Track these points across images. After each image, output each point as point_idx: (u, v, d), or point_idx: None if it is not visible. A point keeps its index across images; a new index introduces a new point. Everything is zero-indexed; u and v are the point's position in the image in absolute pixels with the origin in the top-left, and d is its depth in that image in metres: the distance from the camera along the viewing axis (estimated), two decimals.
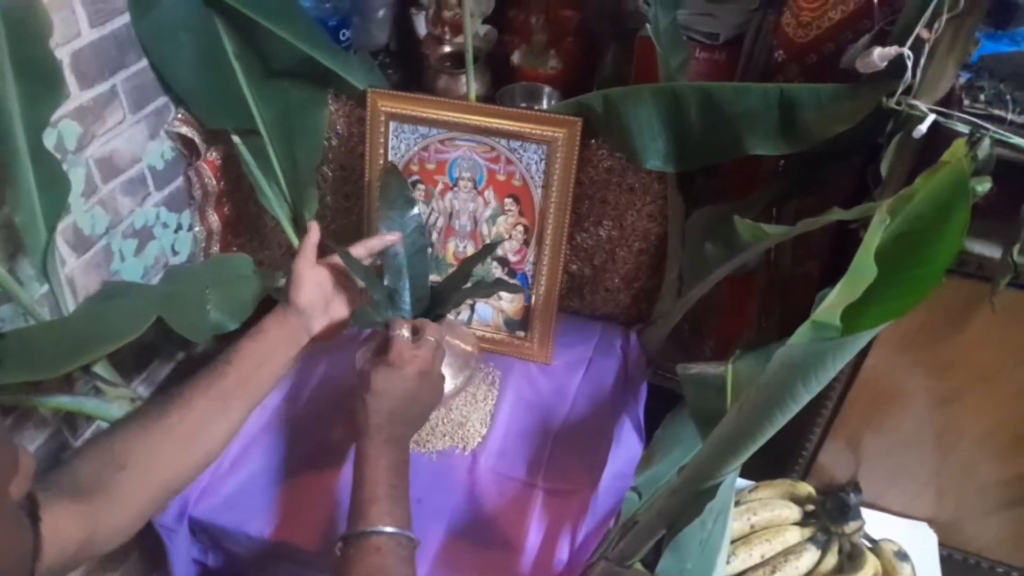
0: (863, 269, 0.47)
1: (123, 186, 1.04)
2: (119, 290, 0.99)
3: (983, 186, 0.63)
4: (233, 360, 0.76)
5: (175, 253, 1.19)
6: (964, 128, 0.72)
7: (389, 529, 0.69)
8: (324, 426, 1.05)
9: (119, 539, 0.65)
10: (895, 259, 0.51)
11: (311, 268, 0.85)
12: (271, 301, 0.98)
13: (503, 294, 1.15)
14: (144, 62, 1.03)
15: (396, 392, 0.78)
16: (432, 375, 0.82)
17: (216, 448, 0.74)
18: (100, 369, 0.92)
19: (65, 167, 0.89)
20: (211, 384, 0.73)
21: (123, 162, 1.03)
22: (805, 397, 0.56)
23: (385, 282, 0.94)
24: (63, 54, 0.89)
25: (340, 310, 0.87)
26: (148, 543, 1.13)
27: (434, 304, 0.96)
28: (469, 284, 0.98)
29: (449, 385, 0.99)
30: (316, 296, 0.84)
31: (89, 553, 0.61)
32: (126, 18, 0.99)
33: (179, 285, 1.03)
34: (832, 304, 0.50)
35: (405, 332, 0.82)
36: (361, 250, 0.89)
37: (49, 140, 0.88)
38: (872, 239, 0.48)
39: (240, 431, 0.78)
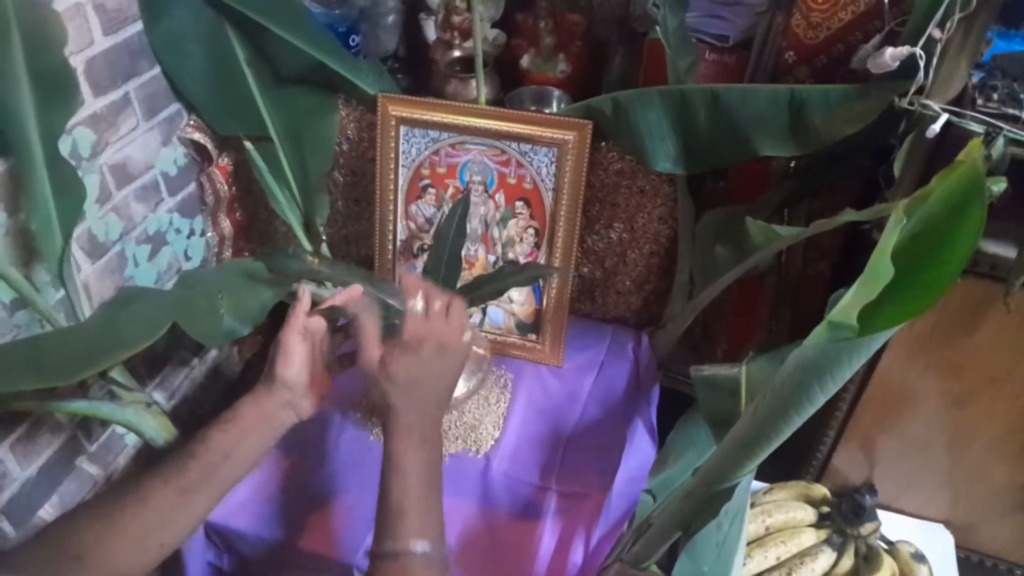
0: (880, 269, 0.47)
1: (136, 192, 1.05)
2: (133, 296, 1.00)
3: (999, 186, 0.63)
4: (197, 453, 0.69)
5: (188, 258, 1.19)
6: (977, 127, 0.72)
7: (419, 548, 0.64)
8: (337, 429, 1.06)
9: None
10: (911, 259, 0.51)
11: (300, 341, 0.75)
12: (282, 307, 0.99)
13: (514, 297, 1.15)
14: (157, 69, 1.04)
15: (419, 377, 0.70)
16: (450, 347, 0.72)
17: (175, 541, 0.69)
18: (115, 374, 0.92)
19: (80, 174, 0.90)
20: (169, 479, 0.67)
21: (136, 169, 1.04)
22: (821, 398, 0.56)
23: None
24: (77, 62, 0.90)
25: (324, 384, 0.79)
26: None
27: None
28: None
29: (462, 388, 1.00)
30: (304, 370, 0.75)
31: None
32: (138, 26, 0.99)
33: (192, 291, 1.04)
34: (848, 305, 0.49)
35: (418, 305, 0.72)
36: (337, 301, 0.81)
37: (64, 147, 0.89)
38: (889, 239, 0.48)
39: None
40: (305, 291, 0.79)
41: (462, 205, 0.97)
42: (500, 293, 0.96)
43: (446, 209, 1.11)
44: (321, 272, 0.94)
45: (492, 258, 1.14)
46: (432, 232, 1.14)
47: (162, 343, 1.01)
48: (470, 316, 1.17)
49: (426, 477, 0.69)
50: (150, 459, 1.14)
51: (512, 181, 1.07)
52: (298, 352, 0.75)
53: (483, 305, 1.17)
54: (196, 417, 1.26)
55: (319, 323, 0.78)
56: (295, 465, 1.01)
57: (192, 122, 1.12)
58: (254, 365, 1.39)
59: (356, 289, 0.80)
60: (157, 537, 0.66)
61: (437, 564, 0.65)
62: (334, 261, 0.95)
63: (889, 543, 1.01)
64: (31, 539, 0.62)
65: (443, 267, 0.96)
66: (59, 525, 0.64)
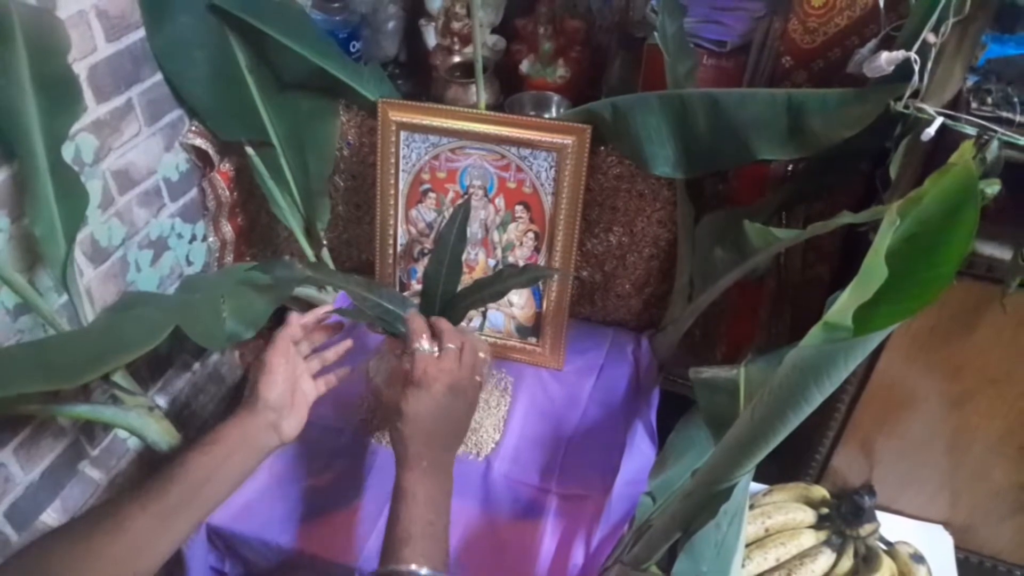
0: (874, 270, 0.48)
1: (139, 198, 1.06)
2: (136, 300, 1.00)
3: (992, 188, 0.64)
4: (177, 476, 0.68)
5: (190, 263, 1.20)
6: (972, 130, 0.72)
7: (422, 571, 0.65)
8: (340, 433, 1.06)
9: None
10: (905, 260, 0.51)
11: (284, 362, 0.78)
12: (283, 311, 0.99)
13: (514, 300, 1.16)
14: (159, 76, 1.05)
15: (429, 414, 0.73)
16: (462, 386, 0.75)
17: (152, 566, 0.67)
18: (118, 378, 0.93)
19: (83, 179, 0.91)
20: (147, 504, 0.66)
21: (139, 174, 1.05)
22: (818, 398, 0.56)
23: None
24: (80, 69, 0.91)
25: (302, 405, 0.81)
26: None
27: (445, 310, 0.96)
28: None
29: None
30: (287, 391, 0.78)
31: None
32: (141, 33, 1.00)
33: (194, 295, 1.05)
34: (844, 305, 0.50)
35: (425, 345, 0.75)
36: (310, 318, 0.86)
37: (67, 153, 0.90)
38: (883, 241, 0.48)
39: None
40: (293, 316, 0.82)
41: (463, 210, 0.98)
42: (501, 295, 0.97)
43: (446, 214, 1.12)
44: (318, 280, 0.95)
45: (492, 262, 1.14)
46: (432, 236, 1.15)
47: (164, 346, 1.02)
48: (470, 320, 1.17)
49: (433, 507, 0.70)
50: (152, 463, 1.15)
51: (512, 185, 1.08)
52: (282, 373, 0.77)
53: (483, 308, 1.17)
54: (198, 420, 1.26)
55: (302, 346, 0.81)
56: (297, 469, 1.02)
57: (194, 128, 1.13)
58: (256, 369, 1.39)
59: (345, 344, 0.86)
60: (133, 563, 0.65)
61: None
62: (331, 270, 0.96)
63: (888, 544, 1.01)
64: (7, 563, 0.61)
65: (443, 272, 0.97)
66: (35, 549, 0.63)
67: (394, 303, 0.91)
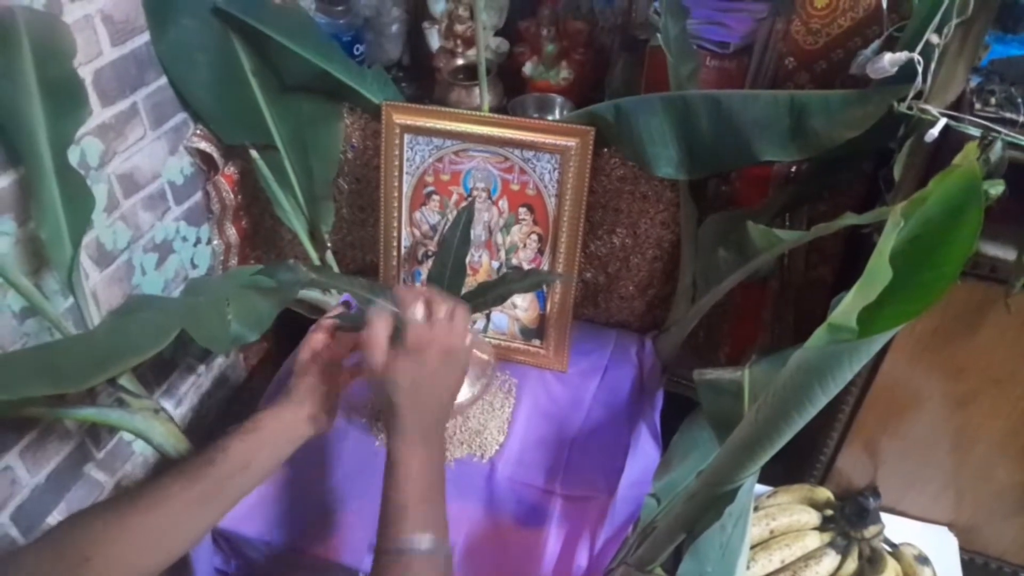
0: (878, 272, 0.48)
1: (144, 201, 1.06)
2: (141, 304, 1.01)
3: (996, 189, 0.64)
4: (217, 461, 0.71)
5: (194, 266, 1.20)
6: (976, 131, 0.72)
7: (422, 545, 0.65)
8: (343, 435, 1.06)
9: None
10: (909, 262, 0.51)
11: (319, 357, 0.81)
12: (288, 314, 1.00)
13: (517, 302, 1.16)
14: (163, 80, 1.05)
15: (423, 382, 0.72)
16: (455, 351, 0.74)
17: (186, 546, 0.70)
18: (123, 381, 0.93)
19: (88, 183, 0.91)
20: (187, 485, 0.68)
21: (144, 178, 1.05)
22: (822, 400, 0.57)
23: None
24: (86, 73, 0.91)
25: (336, 399, 0.84)
26: None
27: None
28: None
29: (466, 393, 1.00)
30: (321, 383, 0.80)
31: None
32: (146, 37, 1.01)
33: (199, 298, 1.05)
34: (848, 307, 0.50)
35: (418, 314, 0.73)
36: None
37: (73, 157, 0.90)
38: (887, 242, 0.49)
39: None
40: (328, 320, 0.85)
41: (467, 213, 0.99)
42: (504, 299, 0.97)
43: (450, 216, 1.12)
44: (321, 283, 0.95)
45: (496, 264, 1.15)
46: (436, 239, 1.15)
47: (169, 350, 1.02)
48: (474, 322, 1.18)
49: (428, 476, 0.70)
50: (158, 466, 1.15)
51: (515, 187, 1.08)
52: (318, 368, 0.80)
53: (487, 311, 1.17)
54: (203, 423, 1.26)
55: (336, 346, 0.83)
56: (301, 470, 1.02)
57: (198, 131, 1.13)
58: (260, 372, 1.40)
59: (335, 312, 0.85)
60: (168, 543, 0.67)
61: (440, 560, 0.66)
62: (334, 272, 0.97)
63: (893, 545, 1.01)
64: (39, 540, 0.63)
65: (448, 274, 0.97)
66: (70, 526, 0.64)
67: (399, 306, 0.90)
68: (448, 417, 0.78)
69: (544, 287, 1.13)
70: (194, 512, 0.69)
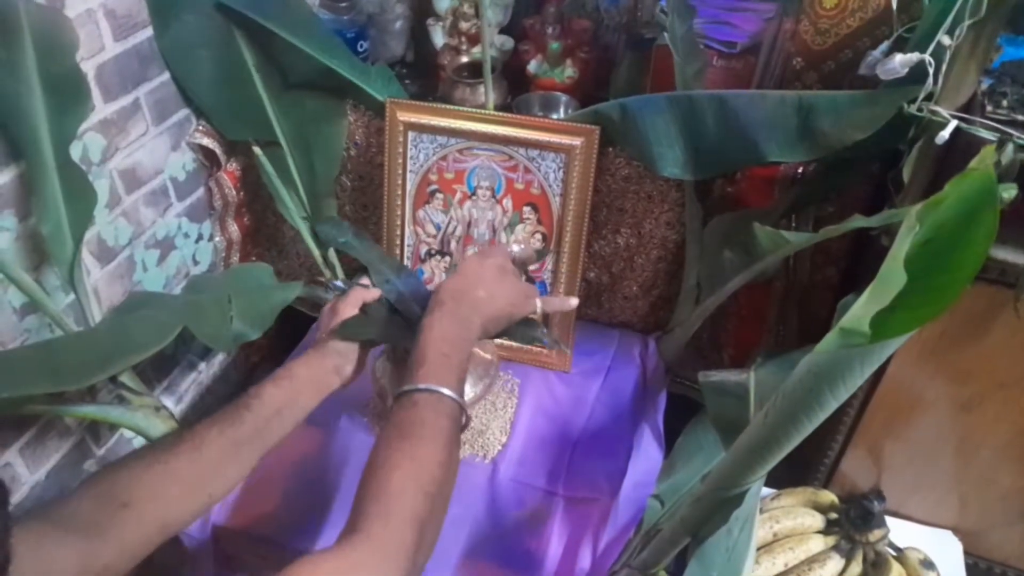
0: (892, 276, 0.47)
1: (146, 197, 1.05)
2: (143, 300, 1.00)
3: (1009, 192, 0.63)
4: (252, 406, 0.73)
5: (196, 263, 1.20)
6: (987, 134, 0.72)
7: (429, 386, 0.68)
8: (347, 434, 1.06)
9: None
10: (922, 266, 0.51)
11: (354, 311, 0.85)
12: (289, 311, 0.99)
13: None
14: (166, 75, 1.05)
15: (469, 275, 0.79)
16: (509, 273, 0.82)
17: (222, 492, 0.71)
18: (124, 378, 0.92)
19: (90, 179, 0.91)
20: (225, 429, 0.71)
21: (146, 174, 1.05)
22: (832, 404, 0.56)
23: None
24: (88, 68, 0.91)
25: (363, 354, 0.85)
26: (170, 550, 1.13)
27: None
28: None
29: (469, 393, 1.00)
30: (346, 342, 0.83)
31: None
32: (148, 32, 1.00)
33: (201, 295, 1.04)
34: (861, 311, 0.49)
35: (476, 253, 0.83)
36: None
37: (75, 152, 0.89)
38: (901, 246, 0.48)
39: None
40: (364, 280, 0.91)
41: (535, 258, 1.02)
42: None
43: (454, 214, 1.12)
44: (358, 248, 0.98)
45: None
46: (439, 237, 1.14)
47: (171, 346, 1.02)
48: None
49: (449, 341, 0.73)
50: None
51: (520, 186, 1.08)
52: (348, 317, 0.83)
53: None
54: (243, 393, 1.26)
55: (372, 297, 0.87)
56: (304, 469, 1.02)
57: (201, 127, 1.13)
58: (262, 369, 1.39)
59: (373, 293, 0.90)
60: (207, 487, 0.69)
61: (447, 403, 0.68)
62: (371, 241, 1.00)
63: (897, 549, 1.00)
64: (78, 488, 0.64)
65: None
66: (109, 473, 0.65)
67: (413, 292, 0.92)
68: (484, 321, 0.79)
69: (548, 286, 1.13)
70: (231, 456, 0.71)
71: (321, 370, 0.80)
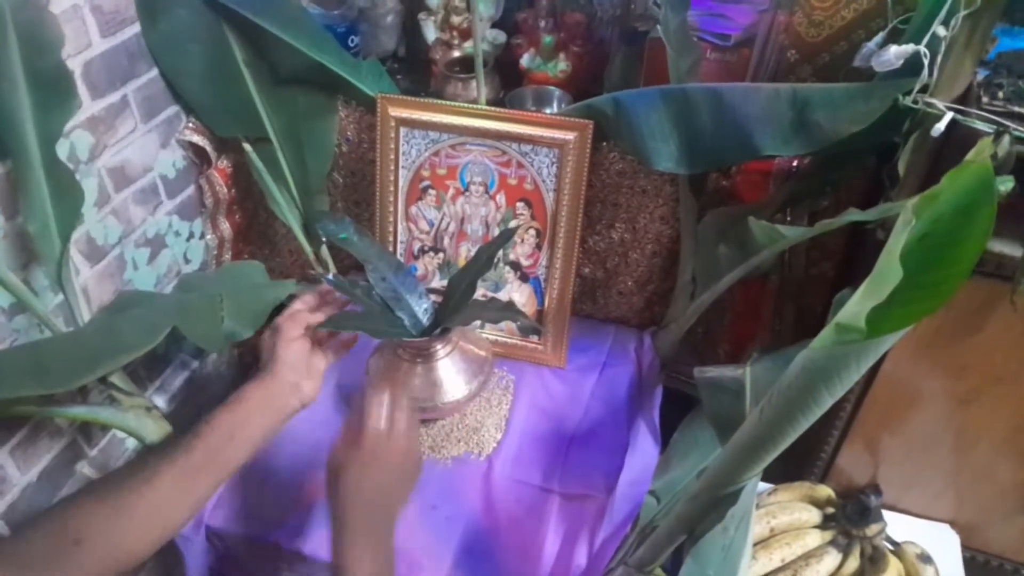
0: (888, 271, 0.47)
1: (135, 195, 1.04)
2: (133, 300, 0.99)
3: (1006, 185, 0.63)
4: (202, 433, 0.71)
5: (187, 261, 1.19)
6: (983, 126, 0.71)
7: None
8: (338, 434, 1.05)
9: None
10: (918, 261, 0.50)
11: (299, 327, 0.81)
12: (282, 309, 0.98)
13: (515, 298, 1.14)
14: (155, 71, 1.03)
15: (374, 489, 0.72)
16: (408, 459, 0.75)
17: (178, 523, 0.70)
18: (115, 379, 0.91)
19: (78, 177, 0.89)
20: (176, 459, 0.69)
21: (135, 171, 1.03)
22: (828, 401, 0.56)
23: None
24: (75, 64, 0.89)
25: (318, 370, 0.82)
26: (164, 552, 1.12)
27: (439, 319, 0.96)
28: (481, 297, 0.96)
29: (463, 390, 0.99)
30: (302, 352, 0.80)
31: None
32: (136, 28, 0.99)
33: (192, 294, 1.03)
34: (856, 307, 0.49)
35: (382, 424, 0.74)
36: (318, 293, 0.86)
37: (62, 150, 0.88)
38: (897, 240, 0.47)
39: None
40: (306, 294, 0.85)
41: (504, 236, 0.98)
42: (468, 322, 0.97)
43: (447, 210, 1.11)
44: (359, 245, 0.96)
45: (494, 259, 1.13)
46: (432, 234, 1.13)
47: (162, 345, 1.00)
48: (475, 327, 1.16)
49: (379, 564, 0.69)
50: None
51: (513, 182, 1.07)
52: (297, 337, 0.80)
53: None
54: (196, 421, 1.25)
55: (314, 317, 0.83)
56: (295, 471, 1.01)
57: (191, 124, 1.11)
58: (255, 368, 1.38)
59: (317, 317, 0.84)
60: (160, 519, 0.67)
61: None
62: (372, 239, 0.98)
63: (895, 544, 1.00)
64: (29, 526, 0.63)
65: (459, 292, 0.96)
66: (59, 510, 0.64)
67: (410, 293, 0.93)
68: (399, 513, 0.75)
69: (542, 282, 1.12)
70: (183, 486, 0.69)
71: (275, 388, 0.77)
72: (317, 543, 0.93)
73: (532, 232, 1.10)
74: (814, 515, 1.01)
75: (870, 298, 0.48)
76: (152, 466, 0.68)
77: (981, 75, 0.77)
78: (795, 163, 0.98)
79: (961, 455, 1.00)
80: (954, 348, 0.89)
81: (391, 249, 1.14)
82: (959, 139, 0.73)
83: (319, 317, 0.83)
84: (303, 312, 0.83)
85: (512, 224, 1.09)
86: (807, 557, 0.96)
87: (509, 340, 1.17)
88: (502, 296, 1.15)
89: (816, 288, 1.10)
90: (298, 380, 0.78)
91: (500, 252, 1.12)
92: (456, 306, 0.95)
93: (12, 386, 0.73)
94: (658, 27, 0.93)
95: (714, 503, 0.69)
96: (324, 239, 1.20)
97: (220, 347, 0.87)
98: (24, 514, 0.94)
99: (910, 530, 1.04)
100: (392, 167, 1.08)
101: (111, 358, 0.80)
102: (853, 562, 0.96)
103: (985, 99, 0.74)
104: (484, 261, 0.95)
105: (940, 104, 0.74)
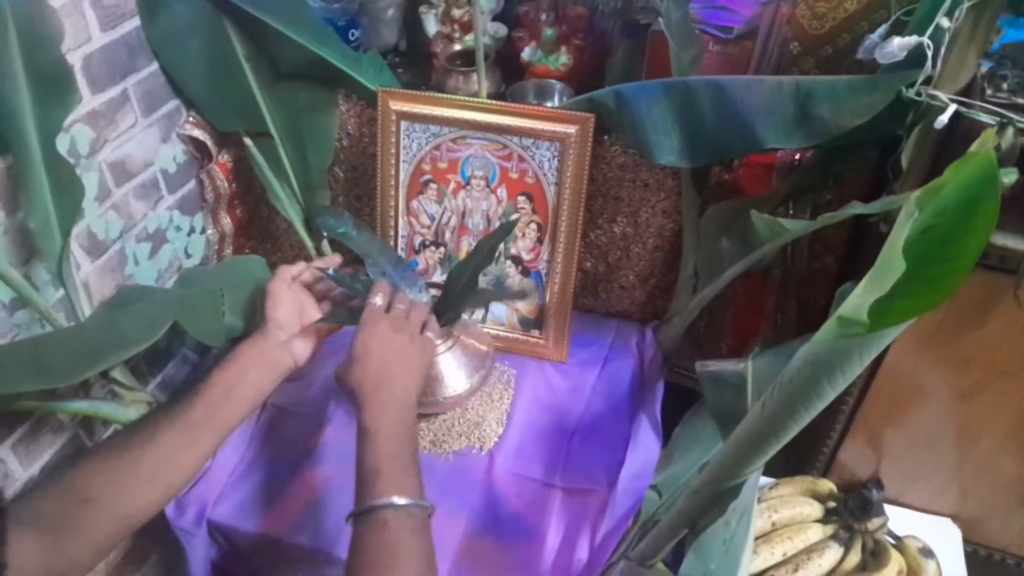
0: (891, 263, 0.46)
1: (136, 190, 1.04)
2: (134, 295, 0.99)
3: (1010, 177, 0.62)
4: (201, 390, 0.74)
5: (188, 256, 1.19)
6: (987, 118, 0.70)
7: (398, 501, 0.67)
8: (341, 427, 1.05)
9: (79, 573, 0.63)
10: (922, 253, 0.50)
11: (286, 287, 0.85)
12: None
13: None
14: (155, 66, 1.03)
15: (377, 355, 0.77)
16: (407, 332, 0.80)
17: (182, 480, 0.72)
18: (116, 374, 0.92)
19: (78, 172, 0.89)
20: (176, 417, 0.71)
21: (135, 166, 1.03)
22: (831, 394, 0.55)
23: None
24: (75, 59, 0.89)
25: (310, 329, 0.86)
26: (166, 546, 1.13)
27: (438, 310, 0.95)
28: (483, 285, 0.97)
29: (465, 385, 0.99)
30: (292, 311, 0.84)
31: None
32: (136, 22, 0.98)
33: (193, 289, 1.03)
34: (859, 300, 0.49)
35: (378, 300, 0.82)
36: (312, 265, 0.90)
37: (62, 145, 0.88)
38: (900, 233, 0.47)
39: (237, 444, 0.78)
40: (298, 266, 0.90)
41: (505, 229, 1.00)
42: (459, 315, 0.97)
43: (448, 204, 1.11)
44: (357, 239, 0.97)
45: (495, 253, 1.13)
46: (434, 228, 1.13)
47: (164, 340, 1.00)
48: (472, 314, 1.16)
49: (397, 439, 0.72)
50: None
51: (514, 176, 1.06)
52: (285, 296, 0.84)
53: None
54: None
55: (305, 276, 0.87)
56: (301, 464, 1.01)
57: (191, 119, 1.11)
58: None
59: (334, 260, 0.92)
60: (165, 476, 0.70)
61: (416, 515, 0.68)
62: (372, 232, 1.00)
63: (896, 538, 1.00)
64: (38, 487, 0.66)
65: (460, 286, 0.96)
66: (67, 471, 0.66)
67: (410, 287, 0.93)
68: (416, 389, 0.79)
69: (543, 276, 1.12)
70: (186, 444, 0.71)
71: (267, 346, 0.80)
72: (319, 538, 0.93)
73: (533, 226, 1.09)
74: (816, 509, 1.01)
75: (872, 291, 0.48)
76: (154, 425, 0.70)
77: (985, 67, 0.77)
78: (798, 156, 0.98)
79: (964, 450, 1.00)
80: (957, 342, 0.89)
81: (392, 244, 1.14)
82: (963, 132, 0.72)
83: (306, 273, 0.87)
84: (288, 273, 0.87)
85: (513, 218, 1.09)
86: (809, 551, 0.96)
87: (511, 334, 1.17)
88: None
89: (819, 282, 1.09)
90: (289, 338, 0.82)
91: (501, 246, 1.11)
92: (457, 301, 0.95)
93: (14, 381, 0.73)
94: (660, 20, 0.92)
95: (716, 497, 0.69)
96: (325, 234, 1.20)
97: (221, 342, 0.87)
98: None
99: (912, 524, 1.04)
100: (393, 161, 1.08)
101: (112, 353, 0.80)
102: (854, 556, 0.96)
103: (989, 91, 0.74)
104: (485, 254, 0.95)
105: (944, 96, 0.73)
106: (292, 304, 0.84)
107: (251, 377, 0.78)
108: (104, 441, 0.73)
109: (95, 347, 0.79)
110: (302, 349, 0.83)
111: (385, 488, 0.67)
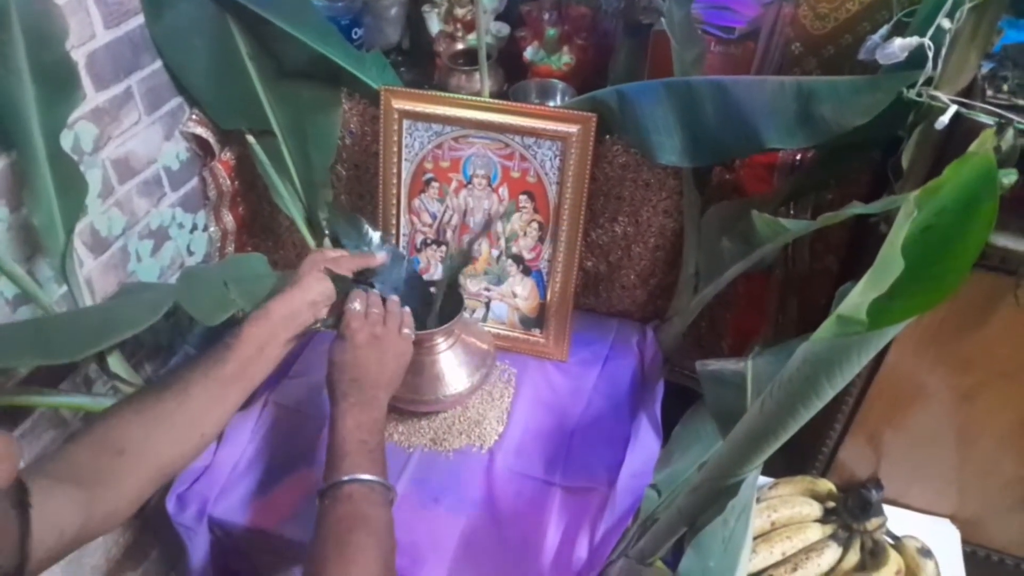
0: (890, 263, 0.47)
1: (139, 187, 1.05)
2: (136, 290, 0.99)
3: (1009, 178, 0.62)
4: (233, 345, 0.75)
5: (191, 253, 1.19)
6: (987, 119, 0.71)
7: (362, 476, 0.70)
8: None
9: (115, 523, 0.65)
10: (921, 253, 0.50)
11: (328, 259, 0.87)
12: None
13: (517, 291, 1.14)
14: (159, 63, 1.04)
15: (350, 360, 0.80)
16: (383, 338, 0.83)
17: (212, 432, 0.74)
18: (118, 369, 0.92)
19: (82, 168, 0.90)
20: (209, 370, 0.73)
21: (139, 163, 1.04)
22: (829, 393, 0.55)
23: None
24: (79, 56, 0.90)
25: (336, 298, 0.88)
26: (167, 542, 1.13)
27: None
28: (483, 291, 0.98)
29: (465, 383, 0.99)
30: (321, 277, 0.86)
31: (87, 536, 0.61)
32: (140, 19, 0.99)
33: (195, 284, 1.03)
34: (858, 299, 0.49)
35: (356, 305, 0.84)
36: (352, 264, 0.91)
37: (66, 142, 0.89)
38: (899, 232, 0.47)
39: (251, 423, 0.77)
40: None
41: (461, 258, 1.05)
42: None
43: (450, 203, 1.11)
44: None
45: (496, 252, 1.13)
46: (435, 227, 1.13)
47: (166, 337, 1.01)
48: (473, 312, 1.17)
49: (365, 428, 0.76)
50: None
51: (516, 175, 1.07)
52: (320, 268, 0.85)
53: (486, 299, 1.16)
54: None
55: (343, 262, 0.89)
56: (298, 461, 1.01)
57: (194, 116, 1.12)
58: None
59: (379, 258, 0.94)
60: (199, 427, 0.71)
61: (379, 491, 0.71)
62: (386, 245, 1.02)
63: (895, 538, 1.00)
64: (72, 439, 0.65)
65: (442, 296, 1.00)
66: (101, 422, 0.67)
67: (412, 285, 0.94)
68: (389, 388, 0.83)
69: (544, 276, 1.12)
70: (218, 396, 0.73)
71: (298, 304, 0.82)
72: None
73: (535, 225, 1.10)
74: (815, 509, 1.01)
75: (872, 290, 0.48)
76: (186, 378, 0.71)
77: (986, 68, 0.77)
78: (799, 156, 0.98)
79: (963, 450, 1.00)
80: (958, 343, 0.89)
81: (394, 242, 1.14)
82: (963, 132, 0.73)
83: (341, 262, 0.88)
84: (328, 253, 0.88)
85: (515, 217, 1.09)
86: (808, 551, 0.96)
87: (511, 333, 1.17)
88: (504, 290, 1.15)
89: (820, 282, 1.09)
90: (317, 299, 0.83)
91: (504, 245, 1.12)
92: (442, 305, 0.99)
93: (16, 356, 0.74)
94: (662, 20, 0.93)
95: (715, 495, 0.69)
96: (327, 233, 1.20)
97: (218, 320, 0.88)
98: None
99: (910, 525, 1.04)
100: (395, 160, 1.08)
101: (113, 332, 0.81)
102: (853, 556, 0.96)
103: (990, 92, 0.74)
104: (459, 257, 1.00)
105: (944, 97, 0.74)
106: (321, 274, 0.86)
107: (281, 335, 0.79)
108: (135, 394, 0.74)
109: (97, 326, 0.80)
110: (323, 309, 0.85)
111: (351, 467, 0.71)
